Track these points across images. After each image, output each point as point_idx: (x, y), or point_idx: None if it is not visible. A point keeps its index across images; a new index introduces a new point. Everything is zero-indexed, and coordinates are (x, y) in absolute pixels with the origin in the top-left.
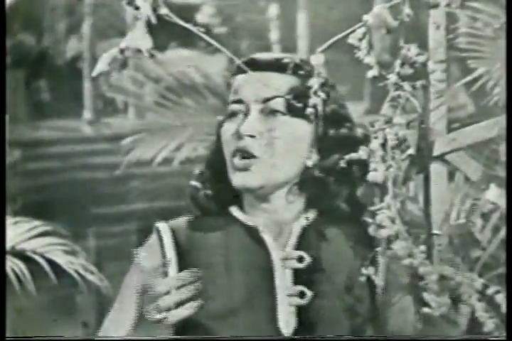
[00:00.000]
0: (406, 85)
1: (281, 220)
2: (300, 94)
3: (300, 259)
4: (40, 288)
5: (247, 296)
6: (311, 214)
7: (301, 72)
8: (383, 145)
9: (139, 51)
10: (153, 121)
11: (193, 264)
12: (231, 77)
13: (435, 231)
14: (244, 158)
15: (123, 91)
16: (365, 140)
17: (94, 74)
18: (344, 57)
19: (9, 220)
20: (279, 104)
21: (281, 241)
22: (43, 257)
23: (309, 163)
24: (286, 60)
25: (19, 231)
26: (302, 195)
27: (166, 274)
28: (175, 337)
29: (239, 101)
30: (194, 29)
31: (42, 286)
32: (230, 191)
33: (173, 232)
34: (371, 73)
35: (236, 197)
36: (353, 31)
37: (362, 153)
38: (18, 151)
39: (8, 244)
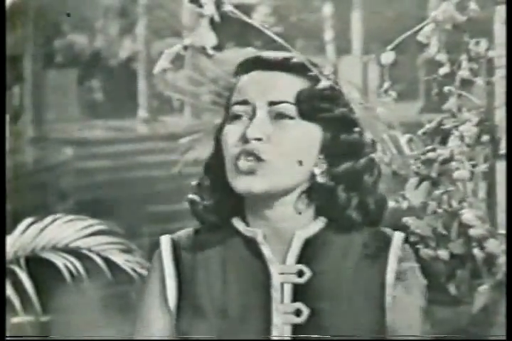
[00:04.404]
0: (479, 81)
1: (285, 230)
2: (309, 97)
3: (300, 274)
4: (94, 285)
5: (242, 314)
6: (320, 223)
7: (311, 74)
8: (462, 142)
9: (203, 48)
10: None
11: (192, 280)
12: (234, 76)
13: (501, 231)
14: (249, 161)
15: (179, 91)
16: (373, 146)
17: (155, 71)
18: (398, 57)
19: (63, 218)
20: (286, 108)
21: (282, 254)
22: (99, 255)
23: (317, 171)
24: (295, 60)
25: (74, 229)
26: (311, 204)
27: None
28: (175, 337)
29: (243, 103)
30: (259, 26)
31: (96, 284)
32: (232, 200)
33: (174, 246)
34: (443, 70)
35: (238, 206)
36: (421, 28)
37: (378, 155)
38: (69, 150)
39: (62, 241)
